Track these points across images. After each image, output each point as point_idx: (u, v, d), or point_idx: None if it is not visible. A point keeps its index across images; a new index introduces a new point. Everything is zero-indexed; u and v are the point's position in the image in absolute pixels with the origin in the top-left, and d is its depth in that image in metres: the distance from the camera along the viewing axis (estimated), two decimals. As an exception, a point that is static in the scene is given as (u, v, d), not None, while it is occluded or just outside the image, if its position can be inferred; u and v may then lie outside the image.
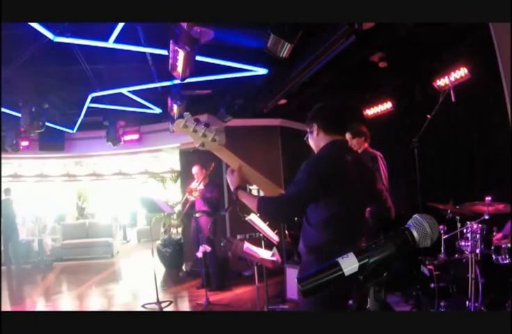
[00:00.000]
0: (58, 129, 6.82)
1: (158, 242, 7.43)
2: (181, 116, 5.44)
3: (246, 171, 1.96)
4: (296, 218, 2.04)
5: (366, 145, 3.73)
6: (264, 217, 1.87)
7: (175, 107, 5.10)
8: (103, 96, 5.44)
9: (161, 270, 7.08)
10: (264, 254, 3.59)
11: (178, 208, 8.18)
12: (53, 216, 11.68)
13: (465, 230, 3.21)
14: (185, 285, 5.98)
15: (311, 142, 1.97)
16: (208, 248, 4.68)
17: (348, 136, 3.50)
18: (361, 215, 1.85)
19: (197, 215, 5.38)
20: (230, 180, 1.96)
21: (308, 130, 1.96)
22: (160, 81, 5.04)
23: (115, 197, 13.93)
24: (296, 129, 7.16)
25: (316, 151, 1.94)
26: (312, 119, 1.94)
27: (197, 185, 5.32)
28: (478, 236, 3.05)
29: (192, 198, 5.24)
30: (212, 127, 1.91)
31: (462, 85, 4.15)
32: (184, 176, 6.97)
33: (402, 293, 3.86)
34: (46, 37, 3.53)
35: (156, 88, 5.31)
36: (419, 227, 1.02)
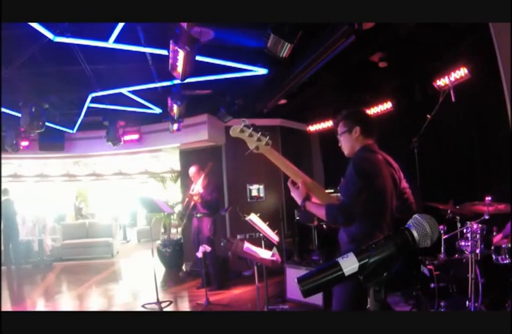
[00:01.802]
0: (58, 129, 6.81)
1: (158, 242, 7.43)
2: (181, 116, 5.47)
3: (309, 184, 2.07)
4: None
5: None
6: (331, 223, 2.04)
7: (175, 107, 5.10)
8: (103, 96, 5.43)
9: (161, 270, 7.08)
10: (264, 254, 3.59)
11: (178, 208, 8.18)
12: (53, 216, 11.67)
13: (465, 230, 3.21)
14: (185, 285, 5.98)
15: (345, 142, 2.18)
16: (208, 248, 4.68)
17: None
18: (392, 209, 2.05)
19: (198, 215, 5.38)
20: (295, 194, 2.09)
21: (342, 129, 2.17)
22: (160, 81, 5.03)
23: (115, 197, 13.93)
24: (296, 129, 7.17)
25: (347, 150, 2.19)
26: (354, 121, 2.16)
27: (197, 189, 5.29)
28: (478, 236, 3.05)
29: (193, 202, 5.25)
30: (266, 132, 2.05)
31: (462, 85, 4.15)
32: (184, 176, 6.97)
33: (402, 293, 3.86)
34: (46, 37, 3.52)
35: (156, 88, 5.30)
36: (419, 227, 1.02)
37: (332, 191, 4.78)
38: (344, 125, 2.18)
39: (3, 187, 7.94)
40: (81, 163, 10.42)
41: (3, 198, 7.71)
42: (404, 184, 2.20)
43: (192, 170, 5.52)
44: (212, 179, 5.59)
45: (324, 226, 4.91)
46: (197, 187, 5.31)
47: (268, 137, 2.05)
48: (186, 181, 6.21)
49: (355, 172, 1.96)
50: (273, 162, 2.10)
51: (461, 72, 4.14)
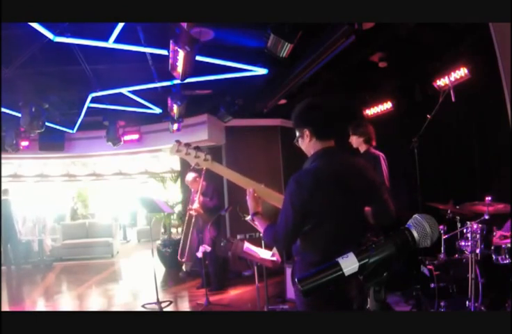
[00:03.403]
0: (58, 129, 6.81)
1: (158, 242, 7.43)
2: (181, 116, 5.46)
3: (262, 191, 1.98)
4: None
5: (367, 146, 3.73)
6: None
7: (175, 107, 5.10)
8: (103, 96, 5.43)
9: (161, 270, 7.08)
10: (264, 254, 3.59)
11: (178, 208, 8.18)
12: (53, 216, 11.68)
13: (465, 230, 3.21)
14: (185, 285, 5.98)
15: (302, 147, 1.88)
16: (208, 248, 4.68)
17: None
18: (348, 225, 1.75)
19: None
20: (249, 204, 1.98)
21: (297, 134, 1.86)
22: (160, 81, 5.03)
23: (115, 197, 13.93)
24: (296, 129, 7.16)
25: (308, 155, 1.88)
26: (302, 123, 1.83)
27: (197, 198, 5.04)
28: (478, 236, 3.05)
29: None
30: (202, 148, 2.11)
31: (462, 85, 4.15)
32: (184, 176, 6.97)
33: (402, 293, 3.86)
34: (46, 37, 3.52)
35: (156, 88, 5.30)
36: (419, 227, 1.02)
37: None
38: (297, 131, 1.86)
39: (3, 187, 7.94)
40: (78, 162, 10.40)
41: (2, 198, 7.71)
42: (381, 189, 1.88)
43: (189, 177, 5.31)
44: (210, 182, 5.31)
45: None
46: (196, 203, 5.01)
47: (205, 152, 2.05)
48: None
49: (286, 195, 1.72)
50: (221, 174, 2.10)
51: (461, 72, 4.14)
